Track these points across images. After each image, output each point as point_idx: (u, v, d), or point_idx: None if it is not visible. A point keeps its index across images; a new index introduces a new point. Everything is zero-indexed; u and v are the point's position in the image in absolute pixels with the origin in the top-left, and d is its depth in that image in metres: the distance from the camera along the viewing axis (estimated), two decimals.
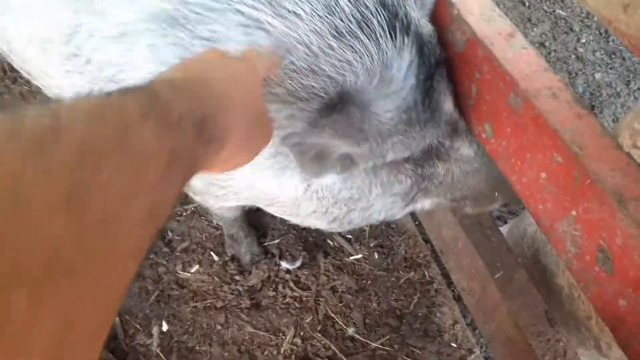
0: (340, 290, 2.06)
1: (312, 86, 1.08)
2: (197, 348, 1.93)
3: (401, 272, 2.13)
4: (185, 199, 2.29)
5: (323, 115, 1.08)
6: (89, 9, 1.22)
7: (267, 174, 1.29)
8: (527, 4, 3.91)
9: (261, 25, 1.10)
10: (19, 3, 1.33)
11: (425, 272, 2.13)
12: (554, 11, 3.90)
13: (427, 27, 1.21)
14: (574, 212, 1.13)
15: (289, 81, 1.09)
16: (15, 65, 1.64)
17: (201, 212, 2.26)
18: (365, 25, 1.10)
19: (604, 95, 3.48)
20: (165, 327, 1.96)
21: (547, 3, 3.94)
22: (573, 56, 3.67)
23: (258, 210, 2.13)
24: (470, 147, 1.32)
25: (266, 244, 2.21)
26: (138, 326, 1.97)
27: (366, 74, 1.08)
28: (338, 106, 1.09)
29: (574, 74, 3.58)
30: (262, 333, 1.95)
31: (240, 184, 1.36)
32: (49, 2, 1.27)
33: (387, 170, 1.29)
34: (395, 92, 1.11)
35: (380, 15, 1.11)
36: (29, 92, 2.59)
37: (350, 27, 1.09)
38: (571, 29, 3.81)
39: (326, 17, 1.09)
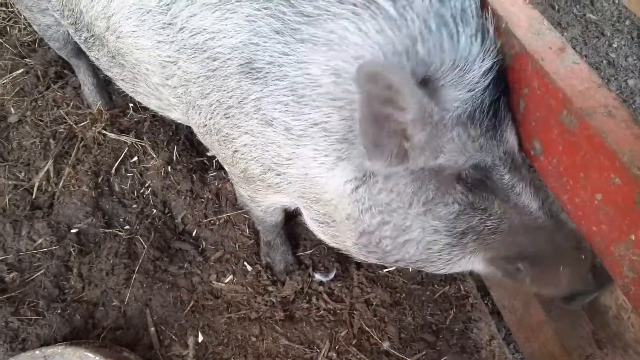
0: (374, 303, 2.04)
1: (404, 66, 1.13)
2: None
3: (436, 285, 2.10)
4: (219, 208, 2.29)
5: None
6: None
7: (326, 161, 1.29)
8: (556, 7, 3.84)
9: (369, 6, 1.15)
10: None
11: (461, 286, 2.09)
12: (584, 15, 3.82)
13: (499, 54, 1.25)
14: (632, 237, 1.09)
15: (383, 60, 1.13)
16: (96, 52, 1.71)
17: (235, 222, 2.26)
18: (464, 22, 1.17)
19: (638, 103, 3.40)
20: (200, 338, 1.97)
21: (577, 7, 3.87)
22: (605, 61, 3.59)
23: (291, 220, 2.14)
24: (534, 200, 1.24)
25: (299, 254, 2.20)
26: (174, 337, 1.97)
27: (452, 64, 1.14)
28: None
29: (606, 80, 3.50)
30: (297, 346, 1.95)
31: (297, 171, 1.35)
32: None
33: (434, 185, 1.22)
34: (469, 85, 1.15)
35: (473, 15, 1.20)
36: (62, 98, 2.62)
37: (452, 19, 1.16)
38: (602, 34, 3.73)
39: (434, 4, 1.16)
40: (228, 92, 1.32)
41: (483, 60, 1.17)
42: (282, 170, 1.38)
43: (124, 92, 2.77)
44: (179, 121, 1.80)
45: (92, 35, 1.67)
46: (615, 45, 3.65)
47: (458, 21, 1.16)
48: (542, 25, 1.36)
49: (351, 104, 1.17)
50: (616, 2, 3.79)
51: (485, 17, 1.24)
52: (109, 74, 1.83)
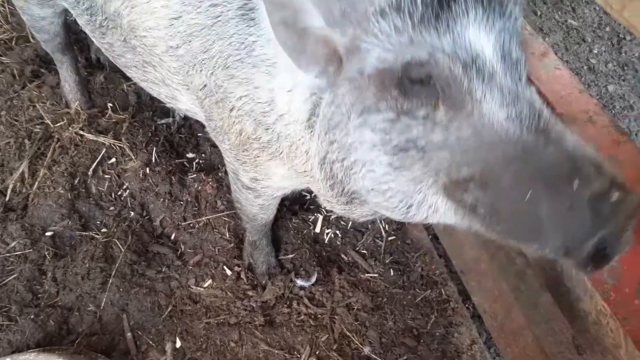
0: (355, 307, 2.02)
1: None
2: None
3: (417, 290, 2.09)
4: (198, 211, 2.26)
5: None
6: None
7: (283, 85, 1.27)
8: (538, 13, 3.88)
9: None
10: None
11: (442, 291, 2.09)
12: (565, 21, 3.87)
13: None
14: None
15: None
16: (106, 36, 1.73)
17: (214, 225, 2.23)
18: None
19: (617, 108, 3.44)
20: (178, 344, 1.93)
21: (559, 13, 3.91)
22: (585, 67, 3.64)
23: (274, 223, 2.11)
24: (503, 108, 0.98)
25: (280, 258, 2.17)
26: (151, 342, 1.93)
27: None
28: None
29: (587, 86, 3.53)
30: (276, 351, 1.92)
31: (275, 117, 1.34)
32: None
33: (371, 91, 1.07)
34: None
35: None
36: (38, 97, 2.56)
37: None
38: (583, 40, 3.78)
39: None
40: (227, 40, 1.35)
41: None
42: (267, 120, 1.37)
43: (102, 92, 2.74)
44: (187, 113, 1.82)
45: (106, 18, 1.67)
46: (596, 51, 3.70)
47: None
48: (525, 31, 1.36)
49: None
50: (597, 9, 3.84)
51: None
52: (119, 62, 1.82)
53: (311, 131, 1.25)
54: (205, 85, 1.50)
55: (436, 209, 1.11)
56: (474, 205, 1.02)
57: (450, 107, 1.00)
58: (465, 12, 0.99)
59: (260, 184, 1.68)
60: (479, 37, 1.00)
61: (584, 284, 1.43)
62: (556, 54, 3.72)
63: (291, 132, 1.32)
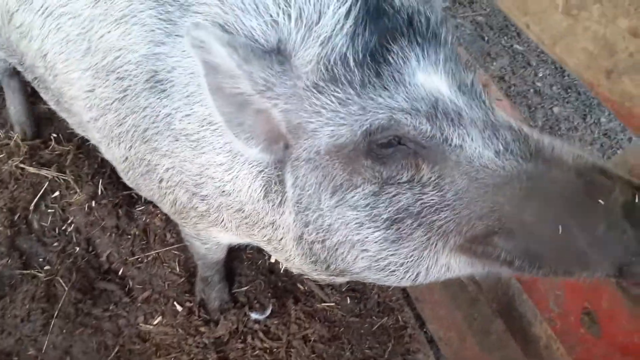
0: (312, 339, 1.98)
1: (254, 28, 1.02)
2: None
3: (374, 317, 2.07)
4: (147, 245, 2.18)
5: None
6: None
7: (222, 161, 1.17)
8: (485, 38, 4.01)
9: None
10: (58, 7, 1.36)
11: (399, 317, 2.08)
12: (511, 46, 4.01)
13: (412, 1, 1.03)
14: None
15: (236, 25, 1.04)
16: (44, 94, 1.68)
17: (164, 259, 2.15)
18: None
19: (563, 129, 3.57)
20: None
21: (505, 38, 4.05)
22: (532, 90, 3.77)
23: (228, 254, 2.05)
24: (488, 146, 0.91)
25: (234, 291, 2.12)
26: None
27: (298, 17, 0.99)
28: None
29: (534, 108, 3.66)
30: None
31: (212, 189, 1.24)
32: (76, 1, 1.31)
33: (339, 169, 0.99)
34: (318, 40, 0.97)
35: None
36: None
37: None
38: (529, 64, 3.92)
39: None
40: (140, 113, 1.25)
41: (339, 3, 0.97)
42: (202, 192, 1.27)
43: (47, 122, 2.63)
44: None
45: (36, 78, 1.60)
46: (541, 75, 3.84)
47: None
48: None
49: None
50: None
51: None
52: (62, 115, 1.74)
53: (273, 205, 1.14)
54: (126, 158, 1.40)
55: (450, 268, 1.02)
56: (505, 257, 0.95)
57: (433, 162, 0.93)
58: (406, 59, 0.96)
59: (206, 239, 1.63)
60: (430, 78, 0.96)
61: (534, 310, 1.45)
62: (503, 78, 3.82)
63: (243, 208, 1.21)
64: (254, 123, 1.02)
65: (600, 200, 0.84)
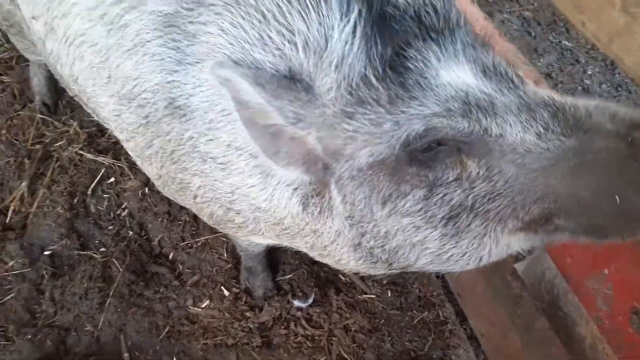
0: (353, 329, 2.03)
1: (261, 60, 1.01)
2: None
3: (415, 311, 2.10)
4: (196, 231, 2.27)
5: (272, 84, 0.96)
6: (117, 27, 1.26)
7: (254, 183, 1.18)
8: (533, 34, 3.93)
9: (226, 3, 1.08)
10: (78, 36, 1.37)
11: (440, 312, 2.10)
12: (560, 42, 3.92)
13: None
14: (605, 270, 1.11)
15: (243, 56, 1.04)
16: (87, 109, 1.72)
17: (212, 245, 2.24)
18: None
19: None
20: None
21: (553, 34, 3.96)
22: (580, 88, 3.68)
23: None
24: (527, 130, 0.91)
25: (278, 279, 2.18)
26: None
27: (305, 46, 0.97)
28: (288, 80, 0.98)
29: None
30: None
31: (246, 205, 1.26)
32: (95, 29, 1.32)
33: (384, 181, 1.00)
34: (332, 65, 0.96)
35: None
36: (30, 118, 2.57)
37: None
38: (577, 61, 3.83)
39: None
40: (166, 137, 1.27)
41: (344, 19, 0.96)
42: (236, 207, 1.29)
43: None
44: None
45: (76, 95, 1.66)
46: (590, 72, 3.75)
47: None
48: (517, 59, 1.40)
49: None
50: None
51: None
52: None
53: (313, 215, 1.15)
54: (160, 176, 1.43)
55: (511, 246, 1.05)
56: (568, 234, 0.97)
57: (477, 156, 0.94)
58: (426, 60, 0.95)
59: (244, 239, 1.65)
60: (454, 73, 0.95)
61: (579, 309, 1.45)
62: (550, 75, 3.74)
63: (282, 221, 1.23)
64: (290, 150, 1.03)
65: None
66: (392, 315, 2.09)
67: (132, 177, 2.35)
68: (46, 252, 2.15)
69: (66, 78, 1.56)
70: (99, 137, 2.51)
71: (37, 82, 2.55)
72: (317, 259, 1.36)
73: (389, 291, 2.17)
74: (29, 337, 1.93)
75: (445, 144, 0.94)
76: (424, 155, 0.95)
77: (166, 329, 2.01)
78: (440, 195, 0.98)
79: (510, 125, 0.92)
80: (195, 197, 1.39)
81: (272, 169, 1.13)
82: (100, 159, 2.40)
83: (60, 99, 2.65)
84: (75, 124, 2.50)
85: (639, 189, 0.86)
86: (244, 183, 1.20)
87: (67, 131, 2.51)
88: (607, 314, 1.14)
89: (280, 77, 0.97)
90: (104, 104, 1.41)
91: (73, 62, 1.43)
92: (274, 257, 2.23)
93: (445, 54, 0.97)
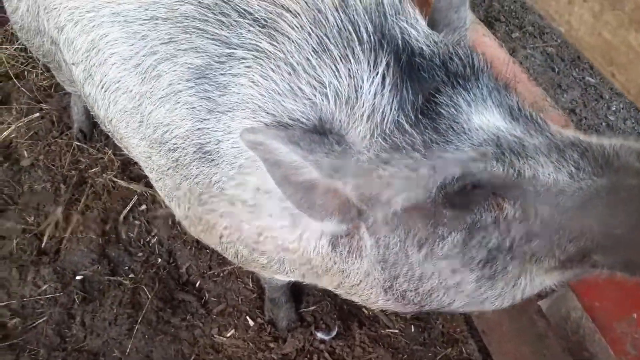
0: None
1: (292, 110, 1.06)
2: None
3: (438, 347, 2.10)
4: (223, 260, 2.31)
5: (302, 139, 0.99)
6: (150, 76, 1.33)
7: (283, 224, 1.21)
8: (556, 69, 3.96)
9: (256, 54, 1.14)
10: (113, 83, 1.44)
11: (463, 349, 2.10)
12: (583, 78, 3.94)
13: (442, 46, 1.07)
14: (635, 315, 1.12)
15: (273, 106, 1.09)
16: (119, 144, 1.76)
17: (238, 274, 2.28)
18: (345, 41, 1.04)
19: None
20: None
21: (577, 70, 3.99)
22: (604, 124, 3.68)
23: None
24: (560, 170, 0.93)
25: (301, 310, 2.21)
26: None
27: (336, 97, 1.02)
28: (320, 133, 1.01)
29: None
30: None
31: (273, 246, 1.29)
32: (129, 77, 1.39)
33: (420, 224, 1.02)
34: (365, 115, 0.99)
35: (365, 32, 1.05)
36: (67, 145, 2.66)
37: (328, 44, 1.05)
38: (601, 97, 3.84)
39: (311, 30, 1.08)
40: (194, 179, 1.32)
41: (373, 71, 1.00)
42: (262, 248, 1.33)
43: None
44: None
45: (110, 131, 1.73)
46: (614, 109, 3.75)
47: (337, 44, 1.04)
48: (545, 102, 1.43)
49: None
50: None
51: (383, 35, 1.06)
52: None
53: (342, 256, 1.18)
54: (187, 217, 1.49)
55: (543, 283, 1.07)
56: (606, 268, 0.98)
57: (513, 198, 0.96)
58: (457, 106, 0.98)
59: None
60: (485, 117, 0.98)
61: (607, 351, 1.45)
62: (574, 110, 3.75)
63: (310, 262, 1.25)
64: (324, 202, 1.05)
65: None
66: (415, 351, 2.09)
67: (163, 205, 2.42)
68: (78, 277, 2.22)
69: (102, 118, 1.64)
70: (132, 165, 2.59)
71: (77, 111, 2.67)
72: (344, 297, 1.37)
73: (412, 326, 2.18)
74: None
75: (480, 187, 0.96)
76: (461, 199, 0.97)
77: (192, 357, 2.04)
78: (479, 238, 0.99)
79: (542, 166, 0.94)
80: (221, 237, 1.43)
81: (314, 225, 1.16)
82: (132, 186, 2.48)
83: (95, 127, 2.75)
84: (110, 151, 2.59)
85: None
86: (273, 225, 1.23)
87: (102, 158, 2.61)
88: (635, 358, 1.14)
89: (312, 132, 1.01)
90: (135, 146, 1.49)
91: (108, 105, 1.51)
92: (297, 288, 2.25)
93: (475, 98, 1.00)
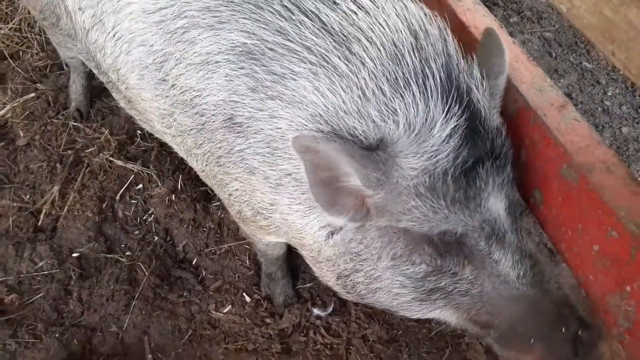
0: (371, 339, 2.06)
1: (354, 127, 1.18)
2: None
3: (432, 324, 2.12)
4: (220, 238, 2.33)
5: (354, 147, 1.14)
6: (179, 38, 1.38)
7: (299, 209, 1.36)
8: (553, 54, 3.97)
9: (325, 65, 1.22)
10: (128, 34, 1.49)
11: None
12: (580, 63, 3.95)
13: (494, 119, 1.24)
14: (628, 288, 1.14)
15: (337, 120, 1.20)
16: (116, 95, 1.86)
17: (235, 252, 2.29)
18: (422, 83, 1.17)
19: (631, 150, 3.49)
20: None
21: (574, 55, 3.99)
22: (600, 109, 3.70)
23: (291, 252, 2.16)
24: (514, 268, 1.19)
25: (298, 287, 2.22)
26: None
27: (406, 126, 1.15)
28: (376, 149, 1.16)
29: (601, 127, 3.60)
30: None
31: (280, 216, 1.43)
32: (149, 32, 1.44)
33: (402, 242, 1.22)
34: (427, 153, 1.14)
35: (439, 79, 1.18)
36: (63, 125, 2.65)
37: (406, 81, 1.17)
38: (597, 82, 3.85)
39: (389, 65, 1.19)
40: (217, 144, 1.42)
41: (446, 118, 1.15)
42: (268, 214, 1.46)
43: (132, 117, 2.85)
44: None
45: (110, 81, 1.78)
46: (610, 94, 3.77)
47: (414, 82, 1.17)
48: (544, 82, 1.44)
49: None
50: None
51: (459, 75, 1.21)
52: (130, 113, 1.92)
53: (327, 243, 1.35)
54: (203, 171, 1.60)
55: (447, 319, 1.35)
56: (490, 337, 1.28)
57: (475, 266, 1.20)
58: (486, 183, 1.17)
59: (260, 238, 1.78)
60: (496, 201, 1.19)
61: None
62: (570, 95, 3.76)
63: (303, 241, 1.43)
64: (346, 202, 1.21)
65: (563, 329, 1.17)
66: (410, 327, 2.12)
67: (159, 184, 2.43)
68: (74, 254, 2.22)
69: (106, 66, 1.68)
70: (128, 144, 2.59)
71: (75, 90, 2.67)
72: (307, 261, 1.56)
73: None
74: (57, 335, 1.99)
75: (461, 246, 1.19)
76: (444, 246, 1.19)
77: (189, 333, 2.06)
78: (437, 277, 1.23)
79: (506, 258, 1.20)
80: (229, 195, 1.55)
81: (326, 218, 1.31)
82: (129, 165, 2.48)
83: (92, 107, 2.75)
84: (106, 131, 2.59)
85: (552, 346, 1.19)
86: (289, 207, 1.37)
87: (98, 138, 2.60)
88: (627, 330, 1.16)
89: (363, 148, 1.15)
90: (147, 99, 1.55)
91: (118, 54, 1.56)
92: (294, 265, 2.27)
93: (497, 182, 1.19)
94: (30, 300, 2.08)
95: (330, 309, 2.14)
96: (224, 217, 2.37)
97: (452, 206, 1.15)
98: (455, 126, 1.15)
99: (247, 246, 2.30)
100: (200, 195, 2.44)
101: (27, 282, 2.13)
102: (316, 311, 2.13)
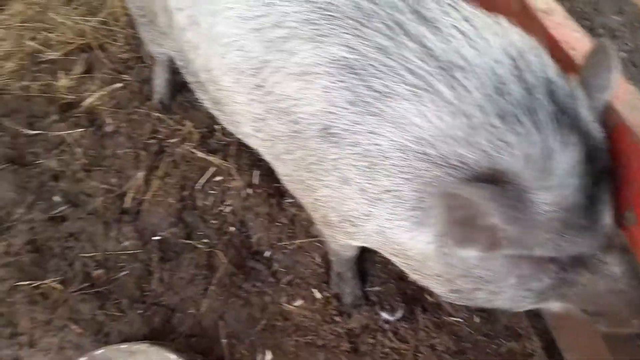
0: (439, 349, 2.07)
1: (463, 155, 1.19)
2: None
3: (502, 339, 2.12)
4: (293, 234, 2.39)
5: (477, 180, 1.17)
6: (278, 47, 1.41)
7: (403, 224, 1.36)
8: (628, 75, 3.86)
9: (429, 89, 1.23)
10: (224, 38, 1.53)
11: (526, 344, 2.11)
12: None
13: (599, 133, 1.24)
14: None
15: (444, 146, 1.21)
16: (201, 95, 1.91)
17: (307, 249, 2.35)
18: (531, 113, 1.17)
19: None
20: (270, 357, 2.03)
21: None
22: None
23: (361, 254, 2.21)
24: (621, 266, 1.26)
25: (366, 289, 2.26)
26: (244, 351, 2.04)
27: (525, 160, 1.15)
28: (495, 181, 1.16)
29: None
30: None
31: (374, 228, 1.44)
32: (246, 39, 1.48)
33: (529, 264, 1.26)
34: (556, 187, 1.15)
35: (548, 107, 1.18)
36: (147, 115, 2.78)
37: (515, 112, 1.17)
38: None
39: (493, 95, 1.19)
40: (310, 152, 1.43)
41: (564, 147, 1.15)
42: (358, 223, 1.46)
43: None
44: None
45: (198, 82, 1.85)
46: None
47: (522, 113, 1.16)
48: (639, 101, 1.44)
49: (418, 178, 1.26)
50: None
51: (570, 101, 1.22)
52: (212, 112, 2.00)
53: (438, 262, 1.36)
54: (289, 175, 1.62)
55: (552, 308, 1.40)
56: (596, 320, 1.37)
57: (592, 271, 1.26)
58: (604, 202, 1.21)
59: (338, 241, 1.79)
60: (609, 215, 1.23)
61: None
62: None
63: (407, 252, 1.43)
64: (477, 237, 1.21)
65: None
66: (479, 341, 2.12)
67: (237, 178, 2.52)
68: (155, 237, 2.33)
69: (196, 65, 1.74)
70: (209, 138, 2.70)
71: (159, 83, 2.80)
72: (405, 270, 1.55)
73: (474, 317, 2.20)
74: (140, 312, 2.09)
75: (582, 258, 1.26)
76: (568, 261, 1.25)
77: (262, 322, 2.12)
78: (558, 286, 1.29)
79: (614, 259, 1.26)
80: (316, 199, 1.55)
81: (427, 221, 1.31)
82: (210, 158, 2.58)
83: (174, 100, 2.88)
84: (190, 124, 2.71)
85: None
86: (390, 221, 1.37)
87: (180, 130, 2.73)
88: None
89: (485, 179, 1.16)
90: (240, 102, 1.59)
91: (212, 56, 1.60)
92: (362, 268, 2.31)
93: (609, 196, 1.24)
94: (116, 277, 2.19)
95: (398, 314, 2.16)
96: (297, 214, 2.44)
97: (582, 233, 1.19)
98: (574, 154, 1.15)
99: (318, 244, 2.35)
100: (275, 191, 2.51)
101: (113, 259, 2.24)
102: (384, 315, 2.16)
